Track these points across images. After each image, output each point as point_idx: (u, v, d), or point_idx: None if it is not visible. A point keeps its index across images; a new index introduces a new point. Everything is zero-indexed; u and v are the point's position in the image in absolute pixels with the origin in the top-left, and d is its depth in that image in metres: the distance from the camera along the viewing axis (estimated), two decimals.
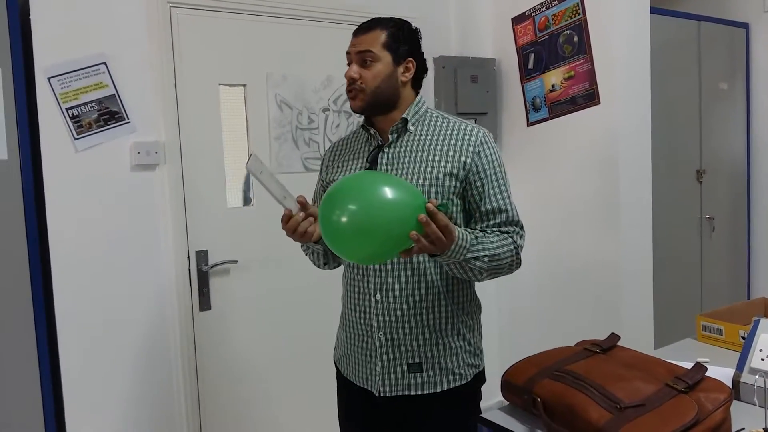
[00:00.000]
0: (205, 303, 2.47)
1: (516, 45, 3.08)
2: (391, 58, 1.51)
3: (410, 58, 1.55)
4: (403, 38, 1.53)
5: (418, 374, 1.53)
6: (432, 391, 1.53)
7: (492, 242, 1.44)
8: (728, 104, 3.74)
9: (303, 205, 1.43)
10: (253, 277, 2.58)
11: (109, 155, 2.23)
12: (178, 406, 2.41)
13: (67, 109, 2.15)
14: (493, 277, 1.49)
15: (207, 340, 2.48)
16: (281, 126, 2.63)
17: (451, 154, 1.50)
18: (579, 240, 2.86)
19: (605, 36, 2.69)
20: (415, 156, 1.52)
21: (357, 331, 1.59)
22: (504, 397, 1.40)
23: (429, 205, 1.25)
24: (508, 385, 1.39)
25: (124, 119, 2.24)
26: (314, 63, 2.69)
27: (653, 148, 2.83)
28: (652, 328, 2.85)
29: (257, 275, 2.59)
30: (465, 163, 1.49)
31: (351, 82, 1.52)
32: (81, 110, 2.18)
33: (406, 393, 1.54)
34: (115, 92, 2.23)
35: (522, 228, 1.54)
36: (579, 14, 2.75)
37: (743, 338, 1.64)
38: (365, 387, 1.58)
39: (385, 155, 1.54)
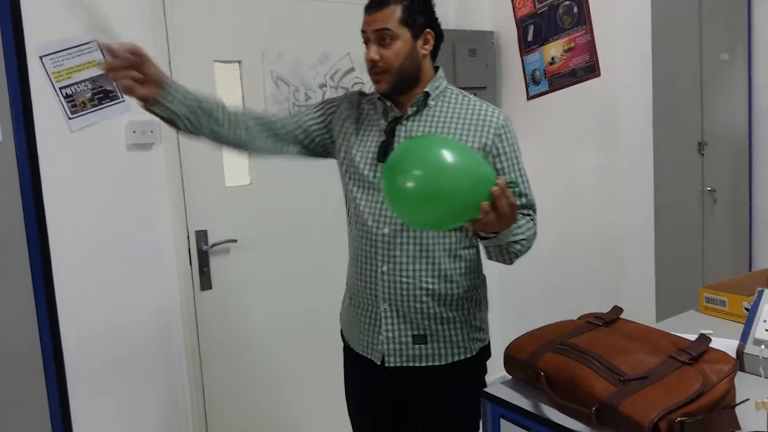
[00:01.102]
0: (206, 282, 2.46)
1: (515, 17, 3.03)
2: (410, 34, 1.47)
3: (428, 30, 1.50)
4: (418, 9, 1.47)
5: (423, 346, 1.53)
6: (436, 363, 1.54)
7: (522, 225, 1.45)
8: (730, 75, 3.70)
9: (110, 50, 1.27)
10: (253, 255, 2.57)
11: (104, 135, 2.20)
12: (181, 385, 2.42)
13: (60, 89, 2.12)
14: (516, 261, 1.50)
15: (209, 319, 2.47)
16: (278, 103, 2.60)
17: (471, 133, 1.49)
18: (580, 213, 2.85)
19: (605, 6, 2.65)
20: (435, 131, 1.50)
21: (362, 301, 1.59)
22: (507, 371, 1.40)
23: (500, 182, 1.21)
24: (510, 359, 1.38)
25: (119, 98, 2.21)
26: (310, 39, 2.65)
27: (654, 121, 2.81)
28: (653, 300, 2.85)
29: (257, 254, 2.58)
30: (486, 144, 1.48)
31: (372, 64, 1.48)
32: (75, 89, 2.14)
33: (410, 364, 1.54)
34: None
35: (536, 212, 1.55)
36: None
37: (747, 310, 1.64)
38: (368, 356, 1.59)
39: (403, 128, 1.52)
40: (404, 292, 1.51)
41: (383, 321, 1.54)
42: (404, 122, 1.52)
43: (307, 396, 2.73)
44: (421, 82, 1.52)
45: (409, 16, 1.46)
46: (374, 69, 1.48)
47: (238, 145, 1.55)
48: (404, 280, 1.51)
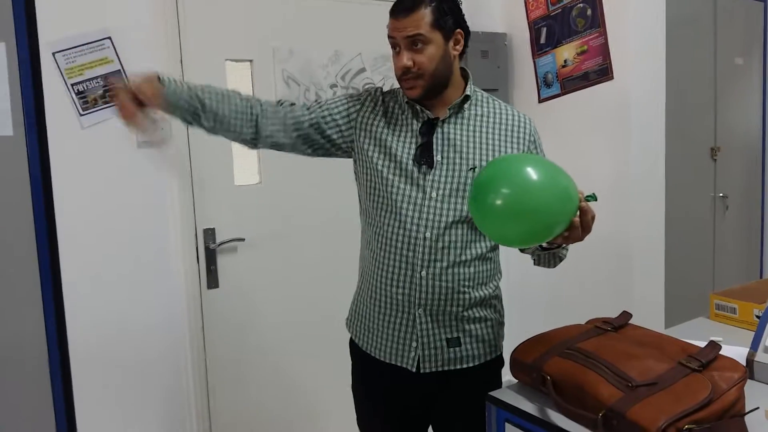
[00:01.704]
0: (212, 281, 2.46)
1: (528, 19, 3.02)
2: (441, 36, 1.43)
3: (458, 30, 1.46)
4: (447, 10, 1.43)
5: (457, 348, 1.52)
6: (471, 364, 1.54)
7: None
8: (744, 80, 3.67)
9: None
10: (260, 254, 2.57)
11: (115, 132, 2.19)
12: (186, 383, 2.42)
13: (72, 85, 2.13)
14: None
15: (215, 317, 2.47)
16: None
17: (509, 140, 1.51)
18: None
19: (619, 9, 2.63)
20: (473, 136, 1.49)
21: (391, 307, 1.53)
22: (513, 375, 1.38)
23: (581, 194, 1.24)
24: (517, 363, 1.37)
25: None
26: (321, 38, 2.65)
27: (667, 125, 2.78)
28: (663, 306, 2.83)
29: (265, 253, 2.58)
30: (523, 152, 1.51)
31: (405, 71, 1.43)
32: (86, 86, 2.16)
33: (445, 368, 1.53)
34: (120, 68, 2.20)
35: None
36: None
37: (757, 317, 1.61)
38: (397, 364, 1.53)
39: (440, 131, 1.49)
40: (442, 297, 1.49)
41: (418, 326, 1.50)
42: (441, 125, 1.49)
43: (313, 396, 2.72)
44: (453, 85, 1.50)
45: (440, 18, 1.41)
46: (406, 75, 1.44)
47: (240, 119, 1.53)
48: (444, 284, 1.48)
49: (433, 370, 1.52)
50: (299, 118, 1.55)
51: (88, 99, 2.15)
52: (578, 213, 1.22)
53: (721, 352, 1.22)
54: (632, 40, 2.62)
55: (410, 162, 1.49)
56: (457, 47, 1.47)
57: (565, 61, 2.87)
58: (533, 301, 3.14)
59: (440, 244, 1.47)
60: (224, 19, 2.42)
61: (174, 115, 1.48)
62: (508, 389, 1.36)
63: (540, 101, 3.01)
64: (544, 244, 1.37)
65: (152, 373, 2.34)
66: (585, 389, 1.18)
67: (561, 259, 1.53)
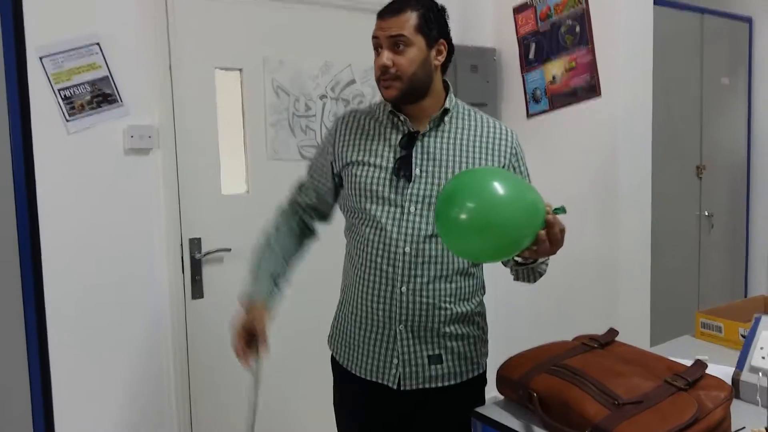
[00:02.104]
0: (197, 291, 2.43)
1: (517, 35, 3.04)
2: (424, 42, 1.43)
3: (442, 40, 1.47)
4: (433, 19, 1.45)
5: (438, 366, 1.50)
6: (452, 382, 1.52)
7: None
8: (730, 99, 3.71)
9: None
10: (246, 265, 2.53)
11: (101, 138, 2.19)
12: (169, 394, 2.39)
13: (59, 90, 2.11)
14: None
15: (199, 328, 2.44)
16: (278, 112, 2.59)
17: (489, 152, 1.49)
18: (577, 234, 2.83)
19: (608, 27, 2.65)
20: (452, 149, 1.48)
21: (373, 323, 1.51)
22: (499, 391, 1.38)
23: (548, 207, 1.22)
24: (503, 379, 1.36)
25: (118, 102, 2.20)
26: (312, 48, 2.65)
27: (653, 143, 2.80)
28: (648, 324, 2.84)
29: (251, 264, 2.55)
30: (504, 165, 1.50)
31: (384, 70, 1.43)
32: (73, 91, 2.14)
33: (426, 386, 1.50)
34: (108, 74, 2.19)
35: None
36: (581, 4, 2.71)
37: (743, 336, 1.62)
38: (378, 381, 1.51)
39: (420, 145, 1.48)
40: (423, 313, 1.47)
41: (399, 343, 1.49)
42: (421, 138, 1.48)
43: (295, 409, 2.69)
44: (431, 95, 1.48)
45: (425, 24, 1.42)
46: (385, 75, 1.44)
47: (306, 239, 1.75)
48: (424, 300, 1.46)
49: (414, 387, 1.50)
50: (317, 189, 1.66)
51: (75, 104, 2.13)
52: (545, 226, 1.21)
53: (707, 371, 1.22)
54: (620, 58, 2.65)
55: (389, 176, 1.48)
56: (439, 57, 1.47)
57: (554, 77, 2.89)
58: (519, 316, 3.14)
59: (420, 259, 1.45)
60: (214, 27, 2.42)
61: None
62: (495, 405, 1.35)
63: (528, 117, 3.03)
64: (518, 259, 1.36)
65: (135, 382, 2.31)
66: (571, 406, 1.17)
67: (540, 274, 1.50)
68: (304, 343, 2.62)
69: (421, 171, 1.46)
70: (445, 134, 1.50)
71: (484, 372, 1.60)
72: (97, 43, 2.16)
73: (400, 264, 1.46)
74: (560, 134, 2.89)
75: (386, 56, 1.42)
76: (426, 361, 1.49)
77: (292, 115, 2.63)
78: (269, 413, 2.64)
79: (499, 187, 1.18)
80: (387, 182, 1.47)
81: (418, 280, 1.46)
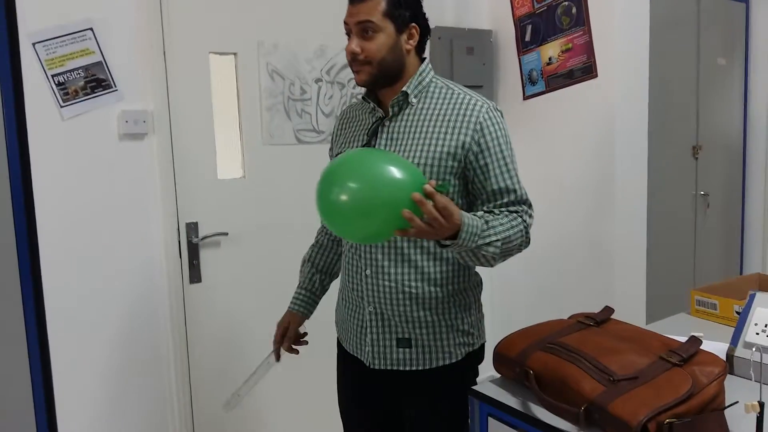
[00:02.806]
0: (195, 275, 2.44)
1: (513, 16, 3.02)
2: (393, 27, 1.42)
3: (413, 24, 1.45)
4: (404, 3, 1.43)
5: (407, 350, 1.51)
6: (420, 367, 1.52)
7: (502, 224, 1.38)
8: (726, 80, 3.71)
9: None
10: (243, 249, 2.55)
11: (96, 124, 2.18)
12: (168, 379, 2.40)
13: (52, 76, 2.10)
14: (504, 260, 1.43)
15: (197, 312, 2.45)
16: (273, 96, 2.58)
17: (450, 131, 1.43)
18: (573, 214, 2.85)
19: (604, 8, 2.64)
20: (415, 131, 1.45)
21: (351, 302, 1.59)
22: (496, 369, 1.39)
23: (427, 186, 1.20)
24: (500, 357, 1.37)
25: (112, 87, 2.19)
26: (307, 32, 2.63)
27: (649, 123, 2.80)
28: (644, 303, 2.86)
29: (248, 247, 2.56)
30: (464, 142, 1.41)
31: (353, 56, 1.44)
32: (67, 77, 2.12)
33: (394, 368, 1.52)
34: (102, 59, 2.17)
35: (530, 206, 1.49)
36: None
37: (737, 313, 1.63)
38: (356, 356, 1.59)
39: (385, 129, 1.49)
40: (387, 296, 1.49)
41: (369, 324, 1.53)
42: (386, 122, 1.49)
43: (296, 392, 2.71)
44: (404, 78, 1.48)
45: (393, 9, 1.42)
46: (355, 61, 1.45)
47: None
48: (386, 283, 1.48)
49: (383, 368, 1.53)
50: None
51: (69, 90, 2.12)
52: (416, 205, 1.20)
53: (702, 348, 1.23)
54: (616, 39, 2.64)
55: None
56: (411, 42, 1.46)
57: (550, 58, 2.88)
58: (517, 295, 3.16)
59: (379, 243, 1.48)
60: (208, 11, 2.40)
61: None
62: (491, 383, 1.37)
63: (525, 98, 3.02)
64: (441, 242, 1.31)
65: (134, 368, 2.32)
66: (567, 383, 1.19)
67: (493, 257, 1.37)
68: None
69: None
70: (411, 116, 1.48)
71: (462, 360, 1.54)
72: (90, 29, 2.14)
73: (363, 248, 1.51)
74: (557, 115, 2.88)
75: (355, 43, 1.43)
76: (394, 343, 1.51)
77: (287, 98, 2.62)
78: (270, 392, 2.66)
79: (341, 167, 1.28)
80: None
81: (379, 263, 1.48)
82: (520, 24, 3.00)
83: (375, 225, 1.24)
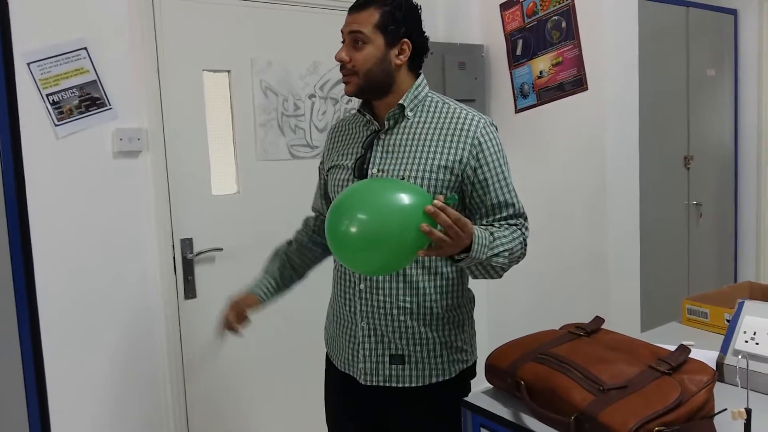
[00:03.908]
0: (190, 291, 2.45)
1: (504, 31, 3.06)
2: (383, 40, 1.43)
3: (405, 40, 1.46)
4: (399, 18, 1.44)
5: (400, 366, 1.49)
6: (413, 384, 1.50)
7: (505, 236, 1.40)
8: (716, 91, 3.74)
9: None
10: (238, 265, 2.55)
11: (90, 142, 2.20)
12: (164, 395, 2.40)
13: (47, 95, 2.12)
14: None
15: (192, 328, 2.45)
16: (267, 113, 2.61)
17: (447, 145, 1.43)
18: (566, 225, 2.86)
19: (593, 22, 2.68)
20: (411, 145, 1.46)
21: (343, 318, 1.56)
22: (488, 380, 1.40)
23: (436, 201, 1.20)
24: (491, 368, 1.38)
25: (106, 105, 2.21)
26: (300, 48, 2.66)
27: (641, 135, 2.83)
28: (638, 313, 2.86)
29: (243, 263, 2.56)
30: (462, 157, 1.42)
31: (341, 65, 1.46)
32: (62, 96, 2.14)
33: (386, 384, 1.50)
34: (96, 78, 2.19)
35: (526, 219, 1.51)
36: (567, 0, 2.74)
37: (728, 321, 1.64)
38: (348, 372, 1.57)
39: (380, 142, 1.49)
40: (381, 311, 1.48)
41: (361, 339, 1.51)
42: (382, 135, 1.50)
43: (290, 408, 2.71)
44: (396, 92, 1.48)
45: (387, 23, 1.43)
46: (342, 70, 1.47)
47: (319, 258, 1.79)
48: (381, 298, 1.47)
49: (375, 384, 1.51)
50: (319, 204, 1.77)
51: (63, 109, 2.14)
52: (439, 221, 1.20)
53: (692, 356, 1.24)
54: (606, 52, 2.67)
55: (347, 176, 1.52)
56: (401, 56, 1.46)
57: (541, 72, 2.91)
58: (511, 305, 3.16)
59: None
60: (202, 30, 2.43)
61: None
62: (483, 394, 1.38)
63: (516, 111, 3.05)
64: (455, 257, 1.31)
65: (130, 383, 2.32)
66: (558, 393, 1.19)
67: (501, 268, 1.41)
68: (298, 338, 2.64)
69: (379, 170, 1.47)
70: (407, 130, 1.48)
71: (456, 377, 1.53)
72: (85, 48, 2.16)
73: None
74: (548, 128, 2.91)
75: (344, 51, 1.46)
76: (387, 359, 1.50)
77: (281, 115, 2.65)
78: (264, 408, 2.65)
79: (349, 202, 1.25)
80: (347, 183, 1.51)
81: (375, 278, 1.47)
82: (510, 38, 3.03)
83: (394, 250, 1.22)
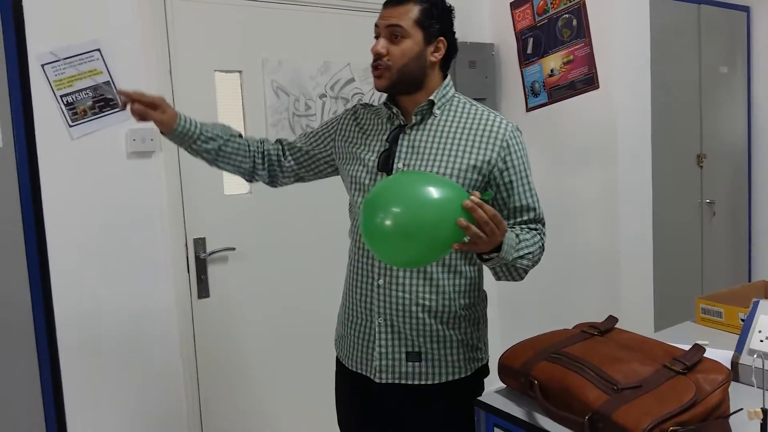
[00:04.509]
0: (203, 290, 2.46)
1: (515, 30, 3.05)
2: (422, 36, 1.42)
3: (441, 38, 1.45)
4: (436, 15, 1.44)
5: (416, 363, 1.49)
6: (429, 382, 1.50)
7: (527, 240, 1.42)
8: (729, 88, 3.72)
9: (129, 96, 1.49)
10: (251, 264, 2.57)
11: (104, 142, 2.21)
12: (178, 393, 2.41)
13: (61, 96, 2.14)
14: None
15: (206, 327, 2.47)
16: (278, 113, 2.62)
17: (476, 146, 1.44)
18: (579, 224, 2.85)
19: (604, 19, 2.67)
20: (438, 142, 1.46)
21: (357, 315, 1.55)
22: (501, 380, 1.39)
23: (473, 197, 1.19)
24: (505, 368, 1.38)
25: (119, 106, 2.22)
26: (311, 49, 2.67)
27: (653, 133, 2.82)
28: (652, 312, 2.85)
29: (255, 262, 2.58)
30: (491, 158, 1.43)
31: (377, 57, 1.44)
32: (75, 97, 2.16)
33: (403, 381, 1.50)
34: (109, 79, 2.21)
35: (545, 225, 1.51)
36: None
37: (743, 320, 1.63)
38: (361, 372, 1.55)
39: (406, 137, 1.48)
40: (400, 307, 1.47)
41: (377, 336, 1.50)
42: (408, 131, 1.49)
43: (302, 406, 2.72)
44: (425, 90, 1.47)
45: (426, 19, 1.42)
46: (377, 63, 1.44)
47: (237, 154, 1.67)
48: (400, 294, 1.47)
49: (391, 381, 1.50)
50: (295, 144, 1.70)
51: (77, 110, 2.16)
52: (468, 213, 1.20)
53: (706, 356, 1.23)
54: (617, 50, 2.66)
55: (370, 169, 1.50)
56: (436, 54, 1.46)
57: (552, 70, 2.90)
58: (524, 309, 3.16)
59: None
60: (213, 30, 2.44)
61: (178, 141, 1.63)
62: (497, 394, 1.37)
63: (527, 110, 3.04)
64: (484, 256, 1.32)
65: (144, 383, 2.34)
66: (571, 393, 1.19)
67: (524, 270, 1.44)
68: (310, 337, 2.64)
69: (404, 165, 1.46)
70: (434, 127, 1.48)
71: (471, 375, 1.54)
72: (98, 49, 2.18)
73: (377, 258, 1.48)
74: (560, 126, 2.90)
75: (381, 44, 1.43)
76: (404, 356, 1.49)
77: (292, 115, 2.65)
78: (278, 406, 2.67)
79: (393, 194, 1.24)
80: (371, 176, 1.50)
81: (394, 273, 1.47)
82: (521, 37, 3.03)
83: (430, 243, 1.22)
